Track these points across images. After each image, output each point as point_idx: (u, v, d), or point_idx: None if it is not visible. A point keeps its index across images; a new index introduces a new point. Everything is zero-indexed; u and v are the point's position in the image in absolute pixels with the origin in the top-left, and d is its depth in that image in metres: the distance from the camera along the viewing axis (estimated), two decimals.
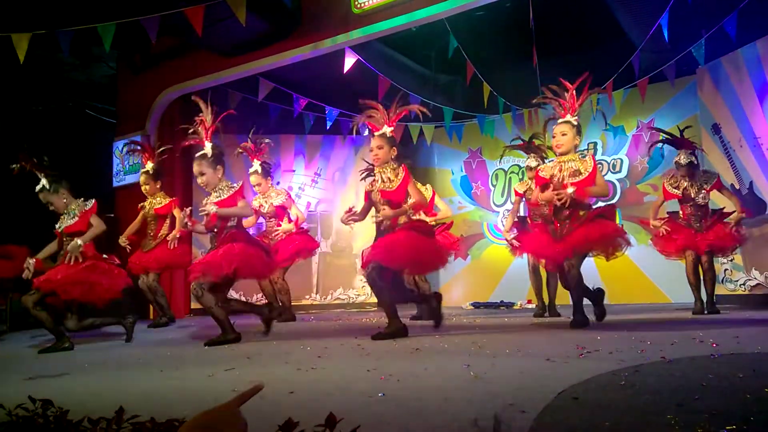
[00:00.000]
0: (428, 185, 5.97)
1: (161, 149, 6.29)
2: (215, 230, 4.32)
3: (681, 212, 5.55)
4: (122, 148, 8.04)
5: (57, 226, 4.56)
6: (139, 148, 6.66)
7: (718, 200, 5.79)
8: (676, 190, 5.50)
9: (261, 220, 6.42)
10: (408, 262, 4.16)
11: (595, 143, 8.39)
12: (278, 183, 6.35)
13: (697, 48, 6.46)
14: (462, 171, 9.31)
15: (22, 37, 5.62)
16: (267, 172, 6.22)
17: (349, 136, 8.79)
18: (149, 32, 5.87)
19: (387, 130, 4.27)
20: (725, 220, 5.39)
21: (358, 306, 8.42)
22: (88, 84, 8.77)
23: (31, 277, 4.40)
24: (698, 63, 6.64)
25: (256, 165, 6.15)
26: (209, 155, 4.33)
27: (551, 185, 4.37)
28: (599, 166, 8.25)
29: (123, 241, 6.03)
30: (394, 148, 4.27)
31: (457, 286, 9.15)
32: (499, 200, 9.01)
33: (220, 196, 4.27)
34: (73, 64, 8.33)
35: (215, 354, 3.65)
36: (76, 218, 4.49)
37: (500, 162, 8.69)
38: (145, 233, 6.26)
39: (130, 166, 7.97)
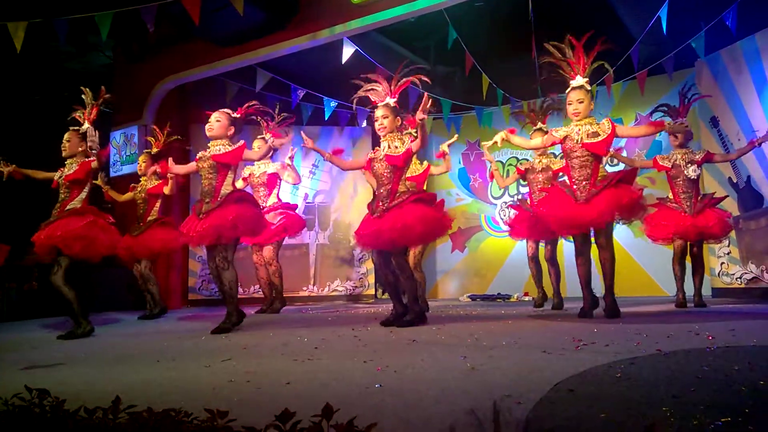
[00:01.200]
0: (425, 161, 5.96)
1: (171, 138, 6.46)
2: (211, 195, 4.38)
3: (671, 192, 5.48)
4: (119, 139, 8.01)
5: (57, 176, 4.66)
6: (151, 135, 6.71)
7: (710, 185, 5.83)
8: (666, 162, 5.47)
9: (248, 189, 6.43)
10: (424, 235, 4.22)
11: None
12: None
13: (697, 40, 6.45)
14: (460, 163, 9.30)
15: (19, 25, 5.59)
16: (270, 147, 6.23)
17: (347, 127, 8.78)
18: (146, 21, 5.84)
19: (390, 101, 4.31)
20: (717, 207, 5.37)
21: (356, 297, 8.43)
22: (84, 73, 8.72)
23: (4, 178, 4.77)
24: (697, 56, 6.62)
25: (267, 137, 6.06)
26: (234, 115, 4.49)
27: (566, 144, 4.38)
28: None
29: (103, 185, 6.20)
30: (399, 117, 4.34)
31: (454, 278, 9.17)
32: (497, 193, 9.01)
33: (219, 150, 4.39)
34: (70, 53, 8.28)
35: (212, 344, 3.65)
36: (76, 167, 4.58)
37: (495, 152, 8.64)
38: (134, 217, 6.28)
39: (127, 156, 7.95)
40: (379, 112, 4.29)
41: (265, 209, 6.07)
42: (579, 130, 4.34)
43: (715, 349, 2.60)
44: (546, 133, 5.21)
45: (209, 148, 4.44)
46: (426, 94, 4.29)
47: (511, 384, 2.01)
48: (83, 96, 4.83)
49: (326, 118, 8.23)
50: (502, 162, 8.92)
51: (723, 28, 6.15)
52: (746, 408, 1.56)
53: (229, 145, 4.40)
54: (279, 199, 6.37)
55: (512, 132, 4.85)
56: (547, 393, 1.83)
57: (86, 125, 4.67)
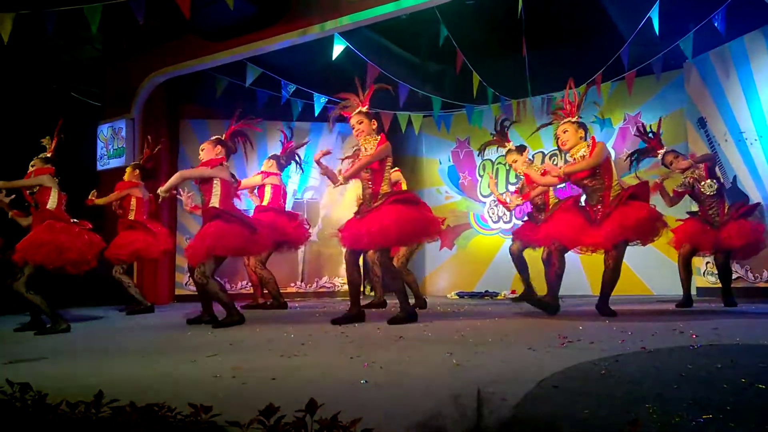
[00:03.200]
0: (398, 170, 6.02)
1: (153, 150, 6.50)
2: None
3: (699, 209, 5.35)
4: (107, 132, 7.95)
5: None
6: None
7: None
8: (682, 188, 5.38)
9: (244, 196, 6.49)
10: (400, 235, 4.21)
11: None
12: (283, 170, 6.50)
13: (685, 42, 6.48)
14: (449, 161, 9.31)
15: (6, 17, 5.52)
16: (280, 165, 6.43)
17: (337, 124, 8.75)
18: (136, 14, 5.78)
19: (362, 109, 4.44)
20: (745, 217, 5.16)
21: (344, 294, 8.41)
22: (73, 66, 8.64)
23: None
24: (686, 57, 6.66)
25: (277, 156, 6.45)
26: (222, 138, 4.81)
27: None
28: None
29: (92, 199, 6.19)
30: (374, 120, 4.48)
31: (442, 275, 9.18)
32: (486, 191, 9.02)
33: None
34: (59, 46, 8.20)
35: (198, 340, 3.64)
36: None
37: (482, 155, 8.57)
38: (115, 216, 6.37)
39: (114, 150, 7.89)
40: (353, 120, 4.43)
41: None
42: (574, 158, 4.53)
43: (698, 348, 2.63)
44: (517, 150, 5.80)
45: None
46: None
47: (496, 380, 2.02)
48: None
49: (316, 114, 8.19)
50: (491, 160, 8.93)
51: (712, 29, 6.18)
52: (728, 405, 1.58)
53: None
54: (276, 204, 6.29)
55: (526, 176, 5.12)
56: (531, 389, 1.84)
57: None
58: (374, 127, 4.45)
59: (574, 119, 4.57)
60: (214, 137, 4.86)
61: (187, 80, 8.06)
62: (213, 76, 7.67)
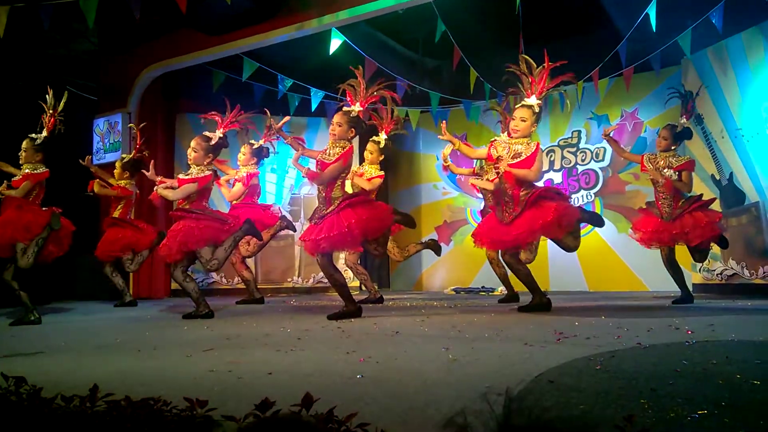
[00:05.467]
0: (382, 171, 6.00)
1: (141, 148, 6.50)
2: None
3: (654, 194, 5.36)
4: (103, 126, 7.92)
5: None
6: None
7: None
8: (649, 164, 5.29)
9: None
10: (357, 237, 4.22)
11: (579, 131, 8.43)
12: (261, 164, 6.37)
13: (683, 38, 6.48)
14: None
15: (1, 10, 5.49)
16: (257, 153, 6.24)
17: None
18: (133, 8, 5.75)
19: (355, 108, 4.34)
20: (696, 210, 5.11)
21: None
22: (69, 60, 8.59)
23: None
24: (683, 53, 6.66)
25: (255, 142, 6.24)
26: (213, 141, 4.74)
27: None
28: (582, 153, 8.36)
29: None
30: (353, 129, 4.33)
31: (439, 271, 9.19)
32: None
33: (189, 175, 4.71)
34: (54, 40, 8.15)
35: (194, 335, 3.63)
36: (20, 176, 4.74)
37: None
38: (108, 212, 6.44)
39: (110, 144, 7.86)
40: (335, 118, 4.35)
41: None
42: (509, 148, 4.43)
43: (694, 344, 2.63)
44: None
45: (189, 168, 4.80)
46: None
47: (492, 375, 2.02)
48: (47, 95, 4.85)
49: (313, 109, 8.18)
50: None
51: (709, 26, 6.18)
52: (723, 401, 1.59)
53: (201, 172, 4.70)
54: (249, 200, 6.24)
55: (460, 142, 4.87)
56: (527, 384, 1.85)
57: (44, 133, 4.82)
58: (351, 136, 4.33)
59: (536, 107, 4.39)
60: (208, 137, 4.77)
61: (184, 74, 8.03)
62: (209, 70, 7.64)
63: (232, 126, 4.98)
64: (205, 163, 4.72)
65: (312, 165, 4.70)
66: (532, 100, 4.40)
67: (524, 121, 4.39)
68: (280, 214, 6.23)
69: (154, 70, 7.73)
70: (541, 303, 4.51)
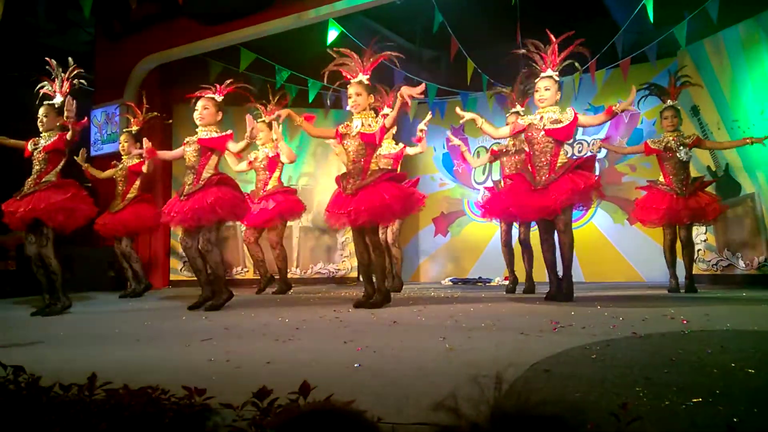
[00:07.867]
0: (400, 142, 6.04)
1: (150, 115, 6.42)
2: (193, 177, 4.51)
3: (662, 175, 5.47)
4: (100, 117, 7.89)
5: (30, 147, 4.66)
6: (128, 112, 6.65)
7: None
8: (657, 145, 5.46)
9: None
10: (396, 212, 4.30)
11: None
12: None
13: (679, 29, 6.47)
14: (444, 148, 9.29)
15: None
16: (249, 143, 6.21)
17: (331, 110, 8.71)
18: None
19: (363, 77, 4.29)
20: (706, 190, 5.43)
21: (338, 280, 8.43)
22: (65, 50, 8.54)
23: None
24: (680, 45, 6.65)
25: (267, 119, 6.26)
26: (219, 99, 4.60)
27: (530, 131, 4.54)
28: (578, 145, 8.37)
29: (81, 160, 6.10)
30: (371, 95, 4.37)
31: (436, 262, 9.20)
32: (480, 178, 9.02)
33: (208, 135, 4.51)
34: (50, 30, 8.10)
35: (192, 325, 3.64)
36: (54, 138, 4.60)
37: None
38: (113, 194, 6.29)
39: (108, 135, 7.84)
40: (351, 89, 4.30)
41: (264, 194, 6.11)
42: (542, 117, 4.49)
43: (689, 333, 2.65)
44: (521, 116, 5.23)
45: (197, 131, 4.55)
46: (424, 84, 4.27)
47: (488, 364, 2.03)
48: (48, 68, 4.81)
49: (310, 101, 8.16)
50: (485, 147, 8.91)
51: (706, 17, 6.17)
52: (717, 389, 1.60)
53: (217, 132, 4.52)
54: (280, 182, 6.32)
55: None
56: (523, 373, 1.86)
57: (59, 98, 4.70)
58: (371, 102, 4.32)
59: (556, 76, 4.52)
60: (213, 97, 4.63)
61: (181, 64, 8.00)
62: (206, 60, 7.61)
63: (228, 90, 4.81)
64: (216, 121, 4.57)
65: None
66: (549, 72, 4.52)
67: (548, 90, 4.49)
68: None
69: (151, 61, 7.70)
70: (569, 286, 4.48)
